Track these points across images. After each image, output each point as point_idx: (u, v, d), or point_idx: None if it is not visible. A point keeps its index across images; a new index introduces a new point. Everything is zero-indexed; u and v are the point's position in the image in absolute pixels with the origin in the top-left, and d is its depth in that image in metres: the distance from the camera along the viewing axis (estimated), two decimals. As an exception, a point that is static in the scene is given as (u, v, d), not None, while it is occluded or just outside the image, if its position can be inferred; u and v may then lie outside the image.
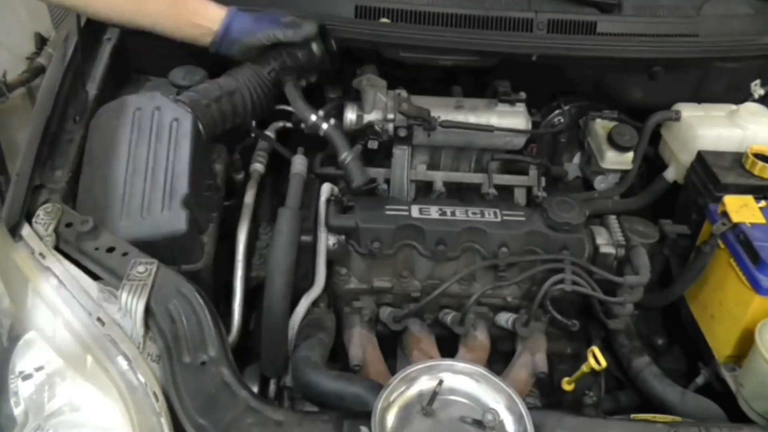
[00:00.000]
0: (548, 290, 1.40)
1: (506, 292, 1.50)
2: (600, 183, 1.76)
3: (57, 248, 1.20)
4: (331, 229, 1.41)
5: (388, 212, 1.44)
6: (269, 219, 1.54)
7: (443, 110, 1.63)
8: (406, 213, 1.44)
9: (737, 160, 1.55)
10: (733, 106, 1.69)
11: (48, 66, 1.68)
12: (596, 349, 1.35)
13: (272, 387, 1.42)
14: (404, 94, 1.63)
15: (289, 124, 1.68)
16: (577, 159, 1.83)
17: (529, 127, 1.66)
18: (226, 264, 1.36)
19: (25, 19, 2.27)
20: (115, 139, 1.32)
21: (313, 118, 1.46)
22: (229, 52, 1.48)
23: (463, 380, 1.08)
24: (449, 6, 1.68)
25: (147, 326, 1.10)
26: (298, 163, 1.51)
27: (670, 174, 1.69)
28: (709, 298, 1.46)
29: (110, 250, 1.18)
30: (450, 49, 1.63)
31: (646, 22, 1.73)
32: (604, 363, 1.34)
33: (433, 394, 1.04)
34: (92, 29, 1.56)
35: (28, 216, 1.24)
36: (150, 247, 1.21)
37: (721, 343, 1.41)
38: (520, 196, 1.70)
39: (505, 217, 1.46)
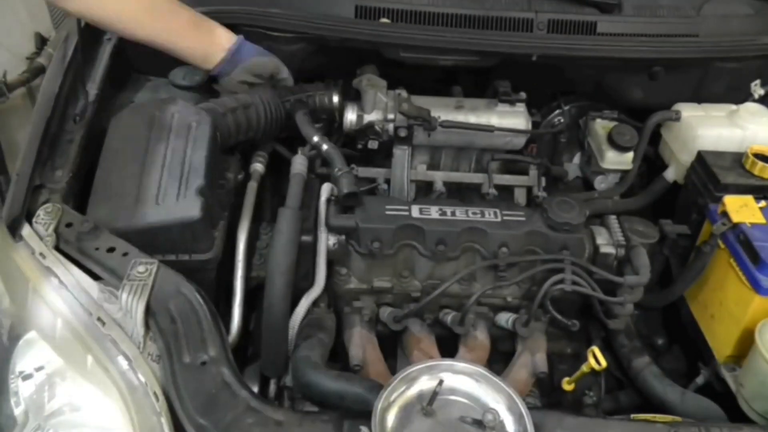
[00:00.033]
0: (548, 290, 1.40)
1: (506, 292, 1.50)
2: (600, 183, 1.76)
3: (57, 248, 1.20)
4: (332, 229, 1.41)
5: (388, 212, 1.44)
6: (269, 219, 1.54)
7: (443, 110, 1.63)
8: (407, 213, 1.44)
9: (737, 160, 1.55)
10: (733, 106, 1.69)
11: (48, 66, 1.68)
12: (596, 349, 1.35)
13: (272, 387, 1.42)
14: (404, 94, 1.63)
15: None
16: (577, 159, 1.83)
17: (529, 127, 1.66)
18: (226, 264, 1.37)
19: (25, 19, 2.27)
20: (134, 136, 1.35)
21: (316, 138, 1.51)
22: (232, 73, 1.54)
23: (464, 380, 1.08)
24: (449, 6, 1.69)
25: (147, 326, 1.10)
26: (299, 163, 1.51)
27: (670, 174, 1.69)
28: (709, 298, 1.46)
29: (110, 250, 1.19)
30: (450, 49, 1.63)
31: (646, 22, 1.73)
32: (604, 363, 1.34)
33: (434, 394, 1.04)
34: (92, 30, 1.56)
35: (29, 216, 1.24)
36: (164, 233, 1.22)
37: (721, 343, 1.41)
38: (520, 196, 1.70)
39: (505, 217, 1.46)
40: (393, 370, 1.38)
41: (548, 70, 1.72)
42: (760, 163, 1.52)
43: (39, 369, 1.12)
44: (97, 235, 1.20)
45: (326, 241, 1.41)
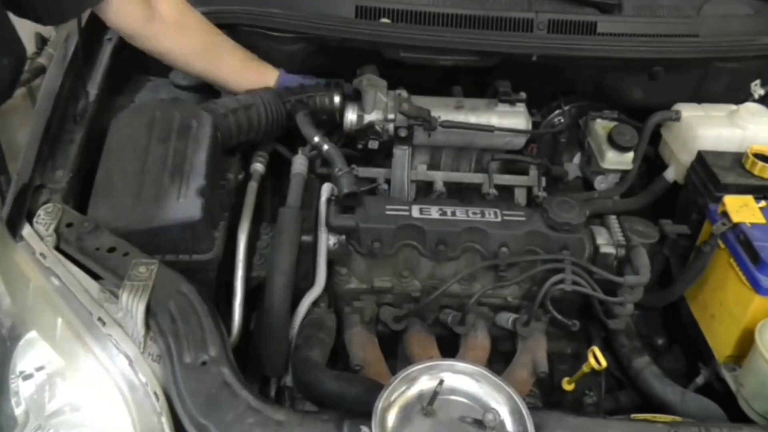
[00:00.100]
0: (548, 290, 1.40)
1: (507, 292, 1.50)
2: (600, 183, 1.76)
3: (58, 248, 1.20)
4: (332, 229, 1.41)
5: (388, 212, 1.44)
6: (270, 219, 1.54)
7: (443, 110, 1.63)
8: (407, 213, 1.44)
9: (737, 160, 1.55)
10: (733, 106, 1.69)
11: (48, 66, 1.68)
12: (596, 349, 1.35)
13: (273, 387, 1.42)
14: (404, 94, 1.63)
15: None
16: (577, 159, 1.83)
17: (530, 127, 1.66)
18: (227, 264, 1.37)
19: (25, 19, 2.27)
20: (136, 136, 1.35)
21: (317, 139, 1.52)
22: None
23: (464, 380, 1.08)
24: (449, 6, 1.69)
25: (148, 326, 1.10)
26: (299, 163, 1.52)
27: (670, 174, 1.69)
28: (709, 298, 1.47)
29: (111, 250, 1.19)
30: (450, 49, 1.64)
31: (646, 23, 1.74)
32: (604, 363, 1.34)
33: (434, 394, 1.04)
34: (93, 30, 1.56)
35: (29, 216, 1.24)
36: (164, 233, 1.23)
37: (721, 343, 1.41)
38: (520, 196, 1.70)
39: (505, 217, 1.46)
40: (393, 370, 1.38)
41: (548, 70, 1.72)
42: (760, 163, 1.52)
43: (39, 369, 1.12)
44: (97, 235, 1.20)
45: (326, 241, 1.41)
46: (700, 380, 1.46)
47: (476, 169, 1.73)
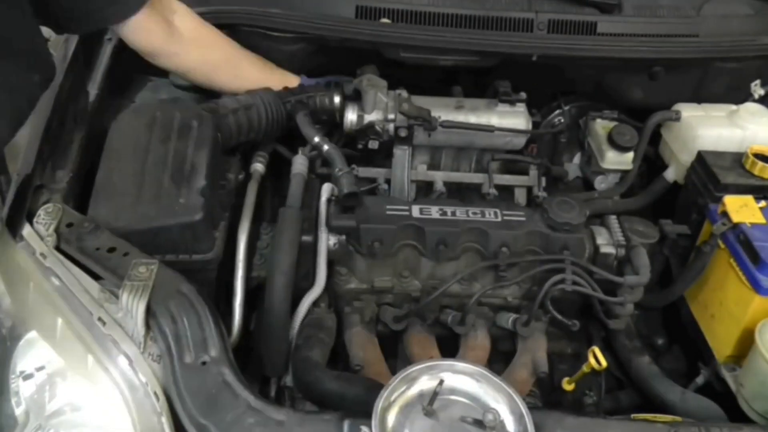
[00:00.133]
0: (549, 290, 1.40)
1: (507, 292, 1.50)
2: (600, 183, 1.76)
3: (58, 248, 1.20)
4: (332, 229, 1.41)
5: (388, 212, 1.44)
6: (270, 219, 1.54)
7: (444, 110, 1.63)
8: (407, 213, 1.44)
9: (737, 160, 1.55)
10: (733, 106, 1.69)
11: (48, 66, 1.68)
12: (596, 349, 1.35)
13: (273, 387, 1.42)
14: (405, 94, 1.63)
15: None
16: (577, 159, 1.83)
17: (530, 127, 1.66)
18: (227, 264, 1.37)
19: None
20: (136, 136, 1.35)
21: (317, 139, 1.52)
22: None
23: (464, 380, 1.08)
24: (449, 6, 1.69)
25: (148, 326, 1.10)
26: (299, 163, 1.52)
27: (670, 174, 1.69)
28: (709, 298, 1.47)
29: (111, 250, 1.18)
30: (450, 50, 1.64)
31: (646, 23, 1.74)
32: (604, 363, 1.34)
33: (434, 394, 1.04)
34: (93, 29, 1.56)
35: (29, 216, 1.24)
36: (164, 233, 1.23)
37: (721, 343, 1.41)
38: (520, 196, 1.70)
39: (505, 217, 1.46)
40: (393, 370, 1.38)
41: (548, 70, 1.72)
42: (760, 163, 1.52)
43: (40, 369, 1.12)
44: (97, 235, 1.20)
45: (327, 241, 1.41)
46: (700, 380, 1.45)
47: (476, 169, 1.73)
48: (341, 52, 1.68)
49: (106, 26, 1.47)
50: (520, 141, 1.68)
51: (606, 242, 1.49)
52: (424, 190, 1.69)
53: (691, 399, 1.37)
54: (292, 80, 1.65)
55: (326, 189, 1.46)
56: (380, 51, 1.66)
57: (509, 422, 1.03)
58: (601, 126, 1.75)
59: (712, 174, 1.52)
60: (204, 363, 1.06)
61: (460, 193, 1.71)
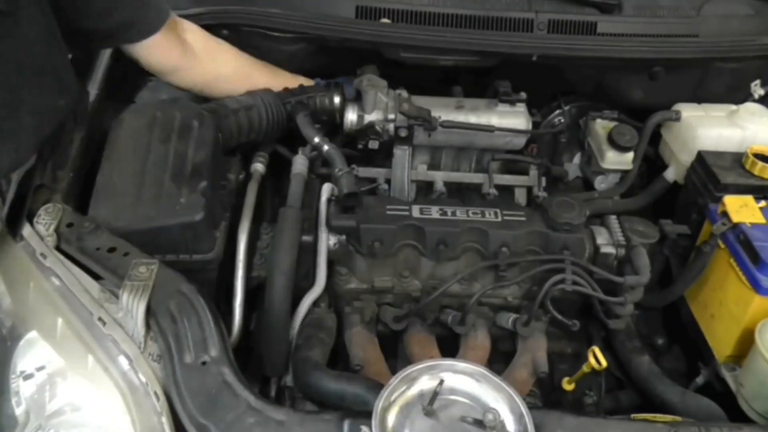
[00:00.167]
0: (549, 290, 1.40)
1: (507, 291, 1.50)
2: (600, 183, 1.76)
3: (58, 248, 1.20)
4: (332, 229, 1.42)
5: (389, 212, 1.44)
6: (270, 219, 1.54)
7: (444, 110, 1.63)
8: (407, 213, 1.44)
9: (737, 160, 1.55)
10: (733, 106, 1.69)
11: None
12: (597, 349, 1.35)
13: (273, 387, 1.42)
14: (405, 94, 1.63)
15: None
16: (577, 159, 1.83)
17: (530, 127, 1.66)
18: (227, 264, 1.37)
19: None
20: (137, 136, 1.35)
21: (317, 139, 1.52)
22: None
23: (464, 380, 1.08)
24: (450, 6, 1.69)
25: (148, 326, 1.10)
26: (299, 163, 1.52)
27: (670, 174, 1.69)
28: (709, 298, 1.47)
29: (111, 250, 1.19)
30: (450, 50, 1.64)
31: (646, 23, 1.74)
32: (604, 363, 1.34)
33: (434, 394, 1.04)
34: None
35: (30, 216, 1.24)
36: (165, 233, 1.23)
37: (721, 343, 1.42)
38: (520, 196, 1.70)
39: (505, 217, 1.46)
40: (393, 370, 1.38)
41: (548, 70, 1.72)
42: (760, 163, 1.52)
43: (40, 369, 1.12)
44: (98, 235, 1.20)
45: (327, 241, 1.41)
46: (700, 380, 1.46)
47: (476, 169, 1.73)
48: (341, 52, 1.68)
49: (124, 45, 1.47)
50: (520, 141, 1.68)
51: (606, 242, 1.49)
52: (424, 190, 1.69)
53: (691, 399, 1.37)
54: (304, 81, 1.66)
55: (326, 189, 1.46)
56: (380, 51, 1.66)
57: (509, 422, 1.03)
58: (601, 126, 1.75)
59: (712, 174, 1.52)
60: (204, 363, 1.06)
61: (460, 193, 1.71)
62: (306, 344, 1.34)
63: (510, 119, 1.65)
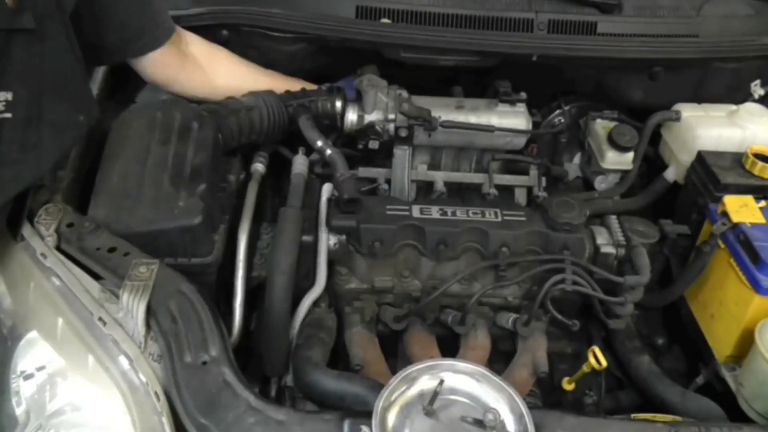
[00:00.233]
0: (549, 290, 1.40)
1: (507, 291, 1.50)
2: (600, 183, 1.76)
3: (59, 248, 1.20)
4: (332, 229, 1.42)
5: (389, 212, 1.44)
6: (270, 219, 1.55)
7: (444, 110, 1.63)
8: (407, 213, 1.45)
9: (737, 160, 1.56)
10: (733, 106, 1.69)
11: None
12: (597, 349, 1.36)
13: (273, 387, 1.42)
14: (405, 94, 1.63)
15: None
16: (577, 159, 1.83)
17: (530, 127, 1.66)
18: (228, 263, 1.37)
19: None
20: (137, 137, 1.35)
21: (320, 143, 1.52)
22: None
23: (464, 380, 1.08)
24: (450, 6, 1.69)
25: (148, 326, 1.10)
26: (300, 163, 1.52)
27: (670, 174, 1.69)
28: (709, 298, 1.47)
29: (112, 250, 1.19)
30: (450, 50, 1.64)
31: (646, 23, 1.74)
32: (604, 363, 1.34)
33: (434, 394, 1.04)
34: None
35: (30, 216, 1.24)
36: (164, 236, 1.22)
37: (721, 342, 1.42)
38: (520, 196, 1.70)
39: (505, 217, 1.46)
40: (394, 370, 1.38)
41: (548, 70, 1.72)
42: (760, 163, 1.52)
43: (40, 369, 1.12)
44: (98, 236, 1.20)
45: (327, 240, 1.41)
46: (700, 380, 1.46)
47: (476, 169, 1.73)
48: (341, 52, 1.68)
49: (130, 59, 1.49)
50: (521, 141, 1.68)
51: (606, 242, 1.49)
52: (425, 190, 1.69)
53: (691, 399, 1.37)
54: (309, 87, 1.66)
55: (326, 189, 1.46)
56: (380, 51, 1.66)
57: (509, 422, 1.03)
58: (601, 126, 1.75)
59: (712, 174, 1.52)
60: (204, 363, 1.06)
61: (460, 193, 1.71)
62: (306, 344, 1.34)
63: (510, 119, 1.65)
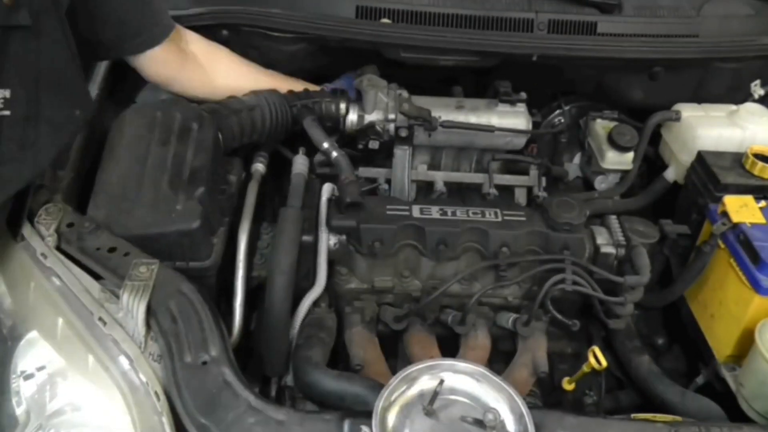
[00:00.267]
0: (549, 290, 1.40)
1: (507, 291, 1.50)
2: (600, 183, 1.76)
3: (59, 248, 1.20)
4: (332, 229, 1.42)
5: (389, 212, 1.44)
6: (270, 219, 1.54)
7: (444, 110, 1.63)
8: (407, 213, 1.45)
9: (737, 160, 1.56)
10: (733, 106, 1.69)
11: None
12: (597, 349, 1.36)
13: (273, 387, 1.42)
14: (405, 94, 1.63)
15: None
16: (577, 159, 1.83)
17: (530, 127, 1.66)
18: (228, 264, 1.37)
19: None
20: (136, 137, 1.35)
21: (326, 145, 1.51)
22: None
23: (464, 380, 1.08)
24: (450, 6, 1.69)
25: (148, 326, 1.10)
26: (300, 163, 1.52)
27: (671, 174, 1.69)
28: (709, 298, 1.47)
29: (112, 250, 1.19)
30: (451, 50, 1.64)
31: (646, 23, 1.74)
32: (604, 363, 1.34)
33: (434, 394, 1.04)
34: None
35: (30, 216, 1.24)
36: (162, 240, 1.22)
37: (721, 342, 1.42)
38: (520, 196, 1.70)
39: (505, 217, 1.46)
40: (394, 370, 1.38)
41: (548, 70, 1.72)
42: (760, 163, 1.52)
43: (40, 369, 1.12)
44: (98, 235, 1.20)
45: (327, 240, 1.41)
46: (700, 380, 1.46)
47: (477, 169, 1.73)
48: (341, 52, 1.68)
49: (128, 56, 1.49)
50: (521, 141, 1.68)
51: (606, 242, 1.49)
52: (425, 190, 1.69)
53: (691, 399, 1.37)
54: (310, 87, 1.66)
55: (327, 189, 1.46)
56: (380, 51, 1.66)
57: (509, 422, 1.03)
58: (601, 126, 1.75)
59: (712, 174, 1.52)
60: (204, 363, 1.06)
61: (460, 193, 1.71)
62: (306, 344, 1.34)
63: (510, 119, 1.65)
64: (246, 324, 1.36)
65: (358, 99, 1.63)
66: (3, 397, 1.13)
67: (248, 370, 1.39)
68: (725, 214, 1.42)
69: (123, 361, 1.06)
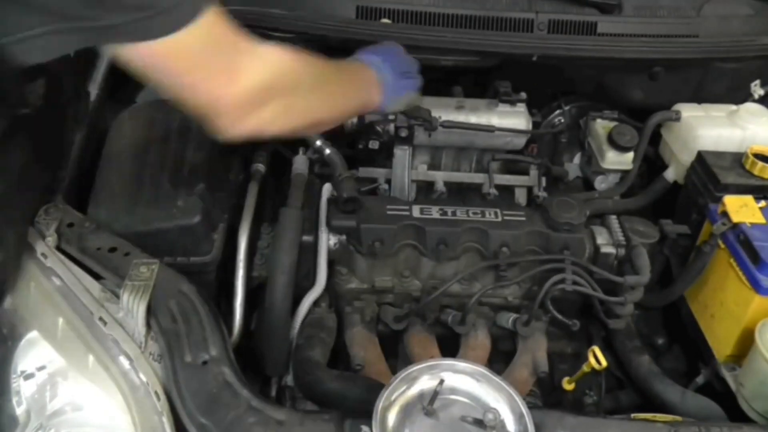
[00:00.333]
0: (549, 290, 1.40)
1: (507, 291, 1.50)
2: (600, 183, 1.76)
3: (59, 248, 1.20)
4: (333, 229, 1.42)
5: (389, 212, 1.44)
6: (271, 219, 1.55)
7: (444, 110, 1.63)
8: (407, 213, 1.44)
9: (737, 160, 1.55)
10: (733, 106, 1.69)
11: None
12: (597, 349, 1.36)
13: (274, 386, 1.42)
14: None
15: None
16: (577, 159, 1.83)
17: (530, 127, 1.66)
18: (228, 260, 1.37)
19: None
20: (136, 137, 1.36)
21: (319, 142, 1.50)
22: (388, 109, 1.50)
23: (464, 380, 1.08)
24: (450, 6, 1.69)
25: (149, 326, 1.10)
26: (300, 163, 1.52)
27: (671, 174, 1.69)
28: (709, 298, 1.47)
29: (112, 250, 1.19)
30: (451, 50, 1.63)
31: (646, 23, 1.73)
32: (604, 362, 1.34)
33: (434, 394, 1.04)
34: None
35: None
36: (163, 235, 1.22)
37: (721, 342, 1.42)
38: (520, 196, 1.70)
39: (505, 217, 1.46)
40: (394, 370, 1.38)
41: (548, 70, 1.72)
42: (760, 163, 1.52)
43: (41, 368, 1.12)
44: (98, 235, 1.21)
45: (327, 240, 1.42)
46: (700, 380, 1.45)
47: (477, 169, 1.73)
48: (342, 53, 1.68)
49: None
50: (521, 141, 1.68)
51: (606, 242, 1.49)
52: (425, 190, 1.69)
53: (691, 399, 1.37)
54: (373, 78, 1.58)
55: (327, 189, 1.47)
56: (381, 51, 1.65)
57: (509, 422, 1.03)
58: (601, 126, 1.75)
59: (712, 174, 1.52)
60: (204, 362, 1.06)
61: (460, 193, 1.71)
62: (306, 344, 1.34)
63: (510, 119, 1.65)
64: (246, 324, 1.37)
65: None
66: (3, 397, 1.13)
67: (248, 370, 1.39)
68: (725, 214, 1.42)
69: (123, 360, 1.07)
